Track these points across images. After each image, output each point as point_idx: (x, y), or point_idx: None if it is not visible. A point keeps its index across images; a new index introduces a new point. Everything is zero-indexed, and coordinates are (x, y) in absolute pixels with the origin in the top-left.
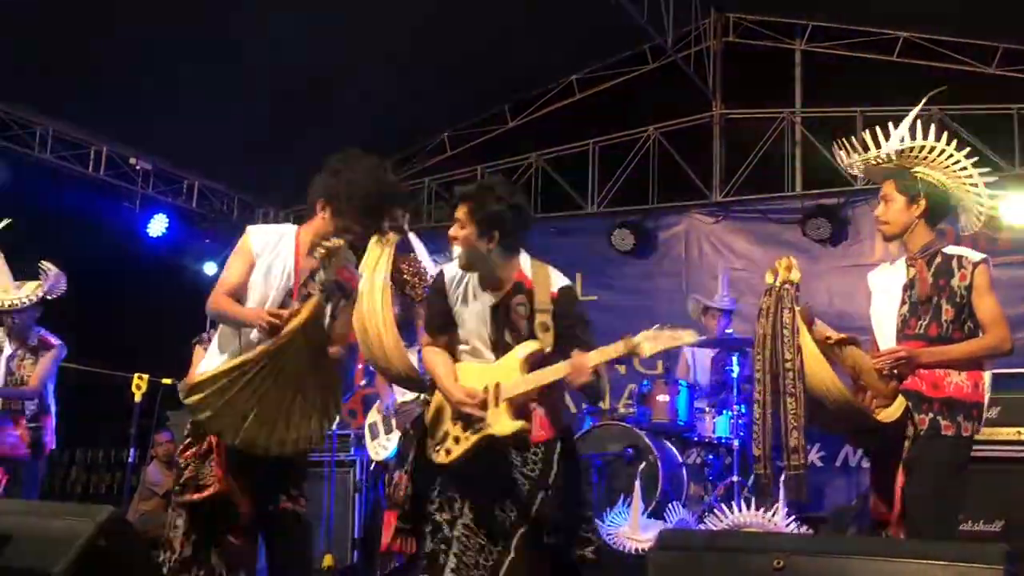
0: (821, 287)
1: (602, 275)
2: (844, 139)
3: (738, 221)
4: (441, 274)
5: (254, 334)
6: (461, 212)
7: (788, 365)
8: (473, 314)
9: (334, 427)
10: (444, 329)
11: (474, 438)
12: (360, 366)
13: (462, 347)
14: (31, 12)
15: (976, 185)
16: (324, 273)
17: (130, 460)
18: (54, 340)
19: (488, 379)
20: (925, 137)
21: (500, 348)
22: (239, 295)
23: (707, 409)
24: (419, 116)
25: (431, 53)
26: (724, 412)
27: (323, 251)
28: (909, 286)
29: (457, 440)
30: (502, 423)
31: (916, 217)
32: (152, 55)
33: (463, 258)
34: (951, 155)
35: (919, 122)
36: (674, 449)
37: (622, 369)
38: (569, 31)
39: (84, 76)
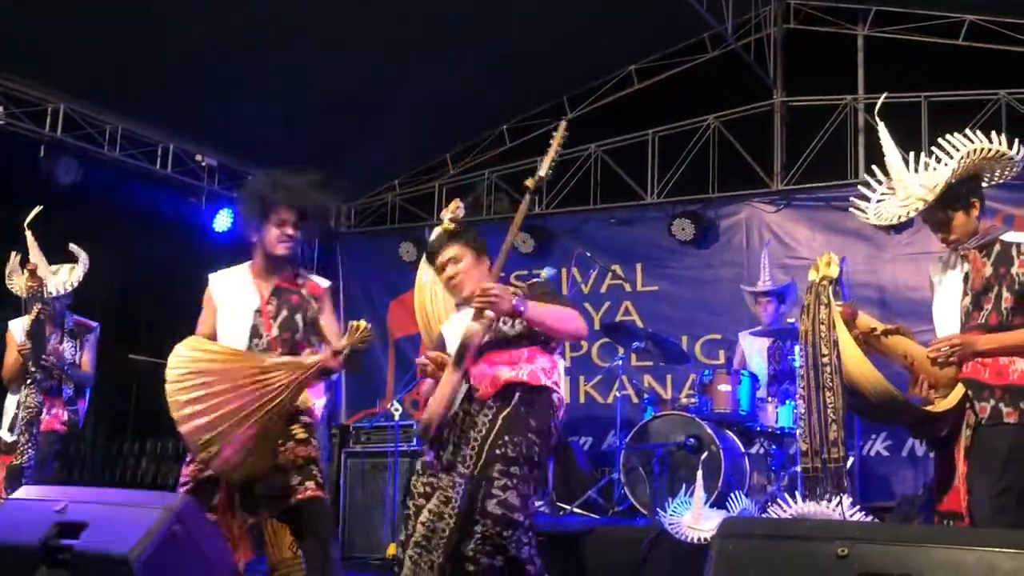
0: (886, 273)
1: (662, 265)
2: (855, 202)
3: (800, 209)
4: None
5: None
6: (455, 250)
7: (825, 360)
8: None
9: (398, 417)
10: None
11: (445, 377)
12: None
13: None
14: (101, 14)
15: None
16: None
17: None
18: (92, 323)
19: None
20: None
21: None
22: (210, 338)
23: (769, 399)
24: (478, 110)
25: (489, 47)
26: (787, 402)
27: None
28: (966, 278)
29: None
30: (460, 340)
31: (976, 217)
32: (217, 56)
33: (465, 289)
34: (970, 151)
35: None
36: (736, 439)
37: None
38: (628, 21)
39: (152, 76)
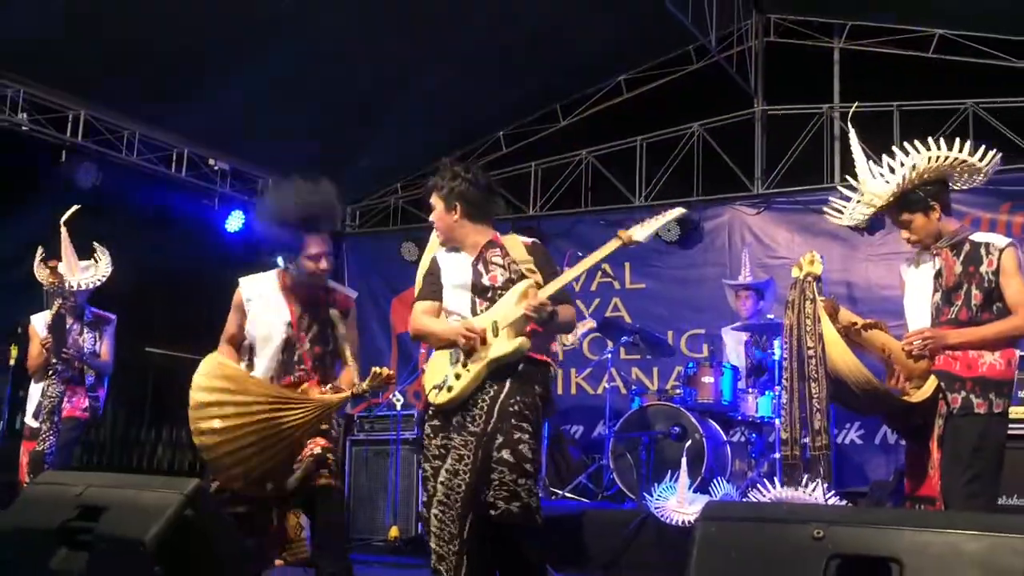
0: (859, 271)
1: (649, 264)
2: (831, 206)
3: (779, 212)
4: (435, 258)
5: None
6: (431, 199)
7: (810, 352)
8: (455, 277)
9: (399, 407)
10: (433, 296)
11: (475, 368)
12: (423, 351)
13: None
14: (120, 27)
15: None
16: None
17: None
18: (109, 315)
19: (487, 321)
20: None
21: (480, 294)
22: (238, 343)
23: (750, 390)
24: (476, 116)
25: (487, 58)
26: (767, 393)
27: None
28: (937, 275)
29: (458, 376)
30: (501, 345)
31: (937, 220)
32: (229, 68)
33: (440, 234)
34: (931, 158)
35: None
36: (719, 428)
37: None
38: (617, 34)
39: (168, 86)
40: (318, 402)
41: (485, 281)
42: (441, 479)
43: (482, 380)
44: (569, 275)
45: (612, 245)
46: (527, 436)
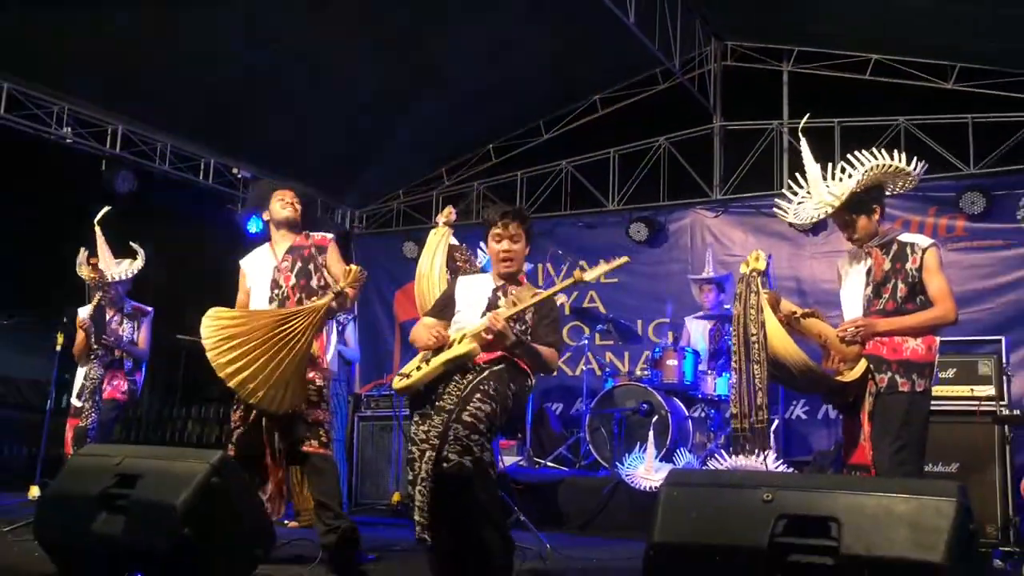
0: (804, 267)
1: None
2: (778, 204)
3: (735, 215)
4: (455, 282)
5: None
6: (517, 227)
7: (754, 339)
8: (474, 300)
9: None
10: (438, 315)
11: (434, 363)
12: None
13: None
14: (155, 54)
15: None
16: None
17: None
18: (147, 307)
19: (457, 335)
20: (834, 172)
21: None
22: (245, 307)
23: (709, 372)
24: (468, 131)
25: (477, 80)
26: (723, 374)
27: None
28: (868, 271)
29: (418, 368)
30: (457, 347)
31: (876, 221)
32: (252, 90)
33: (515, 264)
34: (872, 167)
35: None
36: (682, 405)
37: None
38: (593, 59)
39: (198, 104)
40: (308, 308)
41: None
42: (426, 459)
43: (439, 374)
44: (528, 303)
45: (568, 282)
46: (486, 408)
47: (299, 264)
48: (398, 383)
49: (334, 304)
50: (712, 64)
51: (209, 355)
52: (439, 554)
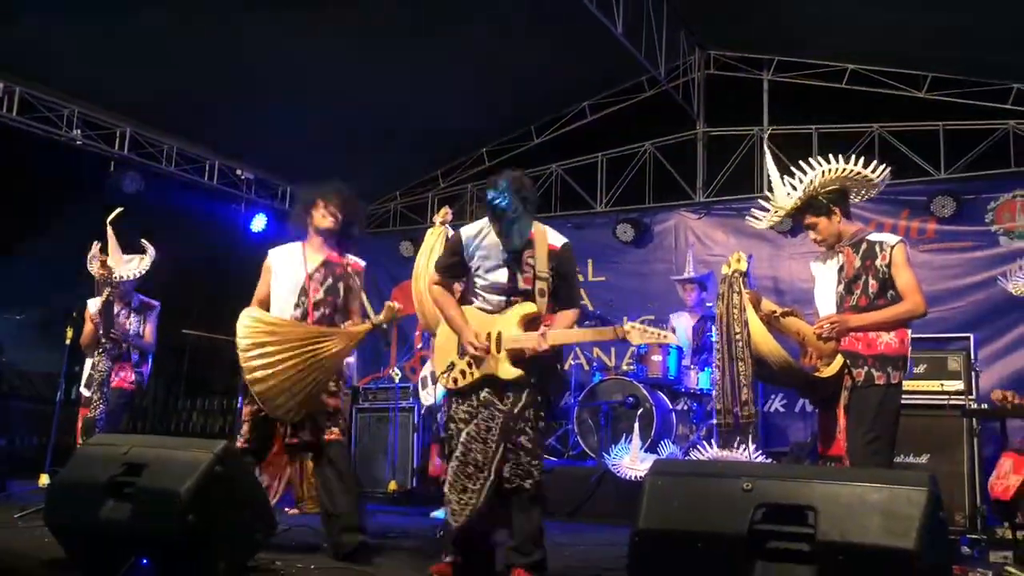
0: (783, 267)
1: (608, 261)
2: (753, 212)
3: (717, 217)
4: (458, 234)
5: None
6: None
7: (737, 337)
8: (493, 265)
9: (397, 380)
10: (449, 272)
11: (478, 374)
12: (418, 332)
13: (476, 297)
14: (160, 59)
15: (858, 171)
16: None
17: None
18: (154, 302)
19: (490, 327)
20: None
21: (512, 293)
22: (265, 302)
23: (692, 367)
24: (464, 135)
25: (472, 86)
26: (706, 369)
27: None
28: (840, 269)
29: (463, 373)
30: (504, 368)
31: (838, 223)
32: (255, 94)
33: (524, 237)
34: (823, 171)
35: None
36: (666, 398)
37: None
38: (582, 67)
39: (203, 108)
40: (345, 333)
41: (520, 284)
42: (463, 439)
43: (482, 383)
44: (572, 336)
45: (608, 334)
46: (541, 425)
47: (330, 281)
48: (447, 381)
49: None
50: (696, 73)
51: (240, 356)
52: (466, 541)
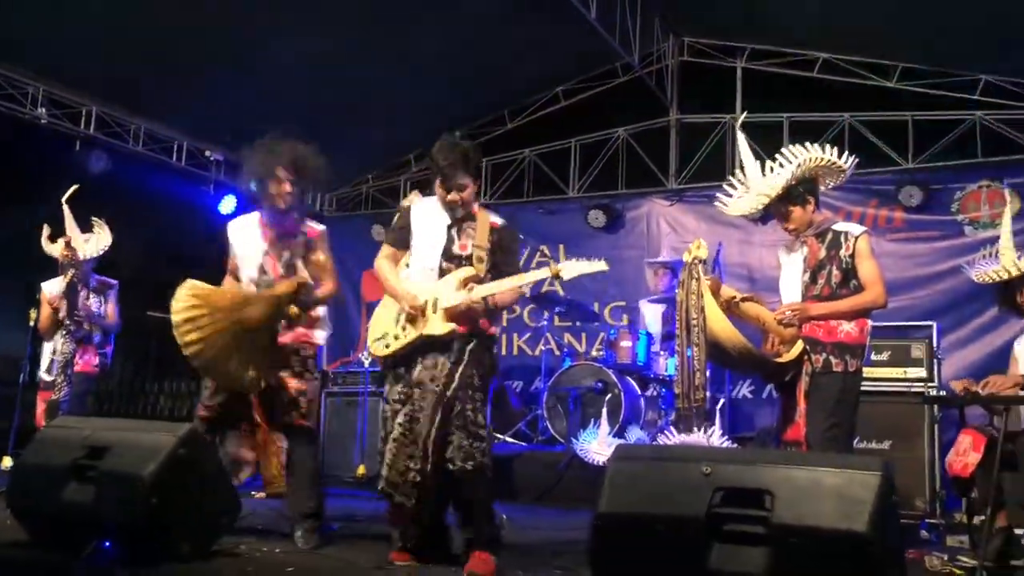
0: (754, 255)
1: (580, 247)
2: (719, 197)
3: (689, 204)
4: (409, 208)
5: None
6: (463, 177)
7: (694, 323)
8: (430, 234)
9: (367, 364)
10: (397, 242)
11: (413, 334)
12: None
13: (414, 268)
14: (128, 36)
15: (832, 160)
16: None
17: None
18: (111, 280)
19: (428, 294)
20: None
21: (448, 259)
22: (236, 274)
23: (661, 353)
24: (435, 119)
25: (445, 70)
26: (675, 355)
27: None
28: (805, 259)
29: (396, 337)
30: (435, 325)
31: (811, 212)
32: (223, 71)
33: (469, 206)
34: (805, 160)
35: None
36: (635, 384)
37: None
38: (555, 52)
39: (171, 86)
40: (267, 293)
41: (456, 249)
42: (399, 420)
43: (416, 345)
44: (504, 284)
45: (544, 273)
46: (479, 404)
47: (287, 254)
48: (382, 350)
49: (302, 294)
50: (669, 59)
51: (175, 332)
52: (409, 519)
